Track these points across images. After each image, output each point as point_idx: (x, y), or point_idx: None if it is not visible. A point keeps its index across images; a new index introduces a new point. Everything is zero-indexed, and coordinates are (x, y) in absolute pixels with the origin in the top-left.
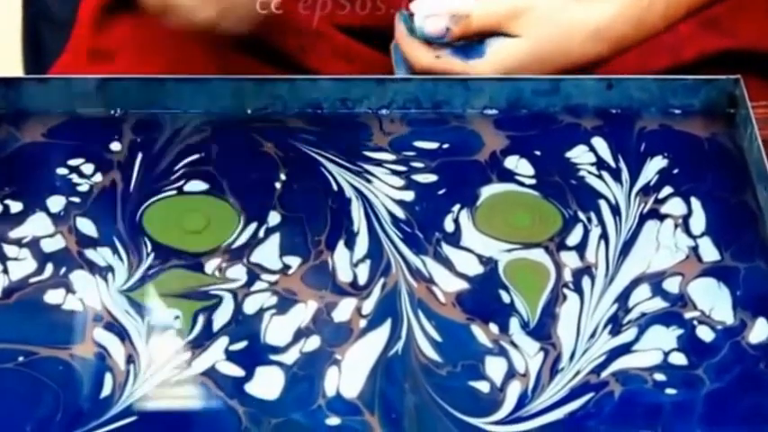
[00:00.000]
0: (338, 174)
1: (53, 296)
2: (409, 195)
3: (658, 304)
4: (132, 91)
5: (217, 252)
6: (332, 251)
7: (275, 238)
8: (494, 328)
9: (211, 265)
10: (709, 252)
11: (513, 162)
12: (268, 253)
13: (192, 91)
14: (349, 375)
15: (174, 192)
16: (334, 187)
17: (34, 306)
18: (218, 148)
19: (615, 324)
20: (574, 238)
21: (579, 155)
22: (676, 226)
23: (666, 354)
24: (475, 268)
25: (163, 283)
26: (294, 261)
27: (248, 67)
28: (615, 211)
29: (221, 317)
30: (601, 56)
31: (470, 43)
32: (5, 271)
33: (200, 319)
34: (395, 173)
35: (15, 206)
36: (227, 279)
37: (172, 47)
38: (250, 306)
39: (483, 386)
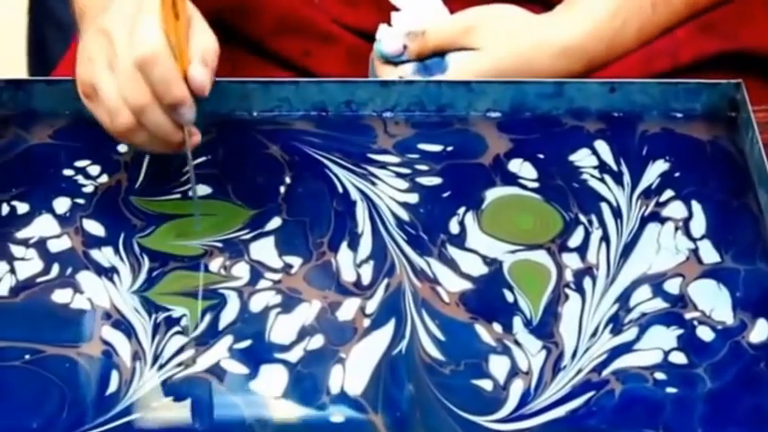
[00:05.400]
0: (343, 176)
1: (60, 295)
2: (414, 198)
3: (659, 305)
4: None
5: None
6: (335, 252)
7: (279, 240)
8: (497, 326)
9: (216, 264)
10: (710, 254)
11: (517, 165)
12: (271, 253)
13: None
14: (353, 374)
15: (179, 195)
16: (340, 190)
17: (41, 305)
18: (224, 150)
19: (616, 323)
20: (575, 239)
21: (582, 158)
22: (677, 228)
23: (667, 353)
24: (479, 269)
25: (169, 283)
26: (296, 261)
27: (255, 69)
28: (617, 213)
29: (227, 315)
30: (573, 73)
31: (432, 59)
32: (12, 271)
33: (207, 318)
34: (399, 175)
35: (22, 207)
36: (233, 277)
37: None
38: (256, 304)
39: (486, 384)
